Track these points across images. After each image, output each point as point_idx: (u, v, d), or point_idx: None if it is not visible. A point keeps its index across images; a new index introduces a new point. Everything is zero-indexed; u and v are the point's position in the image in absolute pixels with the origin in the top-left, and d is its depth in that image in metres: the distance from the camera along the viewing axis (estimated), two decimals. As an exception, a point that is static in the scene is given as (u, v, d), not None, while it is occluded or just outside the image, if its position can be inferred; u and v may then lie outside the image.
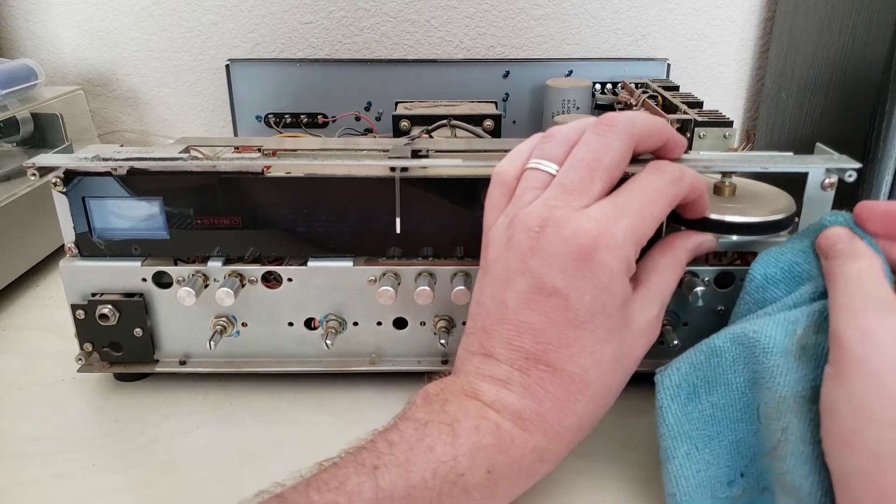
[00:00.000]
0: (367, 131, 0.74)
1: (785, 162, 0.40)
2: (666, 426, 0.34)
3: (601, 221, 0.31)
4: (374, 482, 0.28)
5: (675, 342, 0.42)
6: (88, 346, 0.43)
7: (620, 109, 0.66)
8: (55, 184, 0.40)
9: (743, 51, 0.83)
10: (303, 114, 0.75)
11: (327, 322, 0.43)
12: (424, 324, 0.43)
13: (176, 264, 0.42)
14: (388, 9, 0.81)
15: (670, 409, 0.34)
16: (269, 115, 0.76)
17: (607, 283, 0.31)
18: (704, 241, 0.38)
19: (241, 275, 0.42)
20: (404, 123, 0.59)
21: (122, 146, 0.44)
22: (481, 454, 0.30)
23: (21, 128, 0.66)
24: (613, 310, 0.32)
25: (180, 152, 0.43)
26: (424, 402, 0.32)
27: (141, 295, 0.42)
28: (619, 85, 0.73)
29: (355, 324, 0.43)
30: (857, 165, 0.39)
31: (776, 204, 0.41)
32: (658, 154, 0.37)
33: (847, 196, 0.40)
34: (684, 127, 0.53)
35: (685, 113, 0.56)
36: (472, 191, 0.40)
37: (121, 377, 0.45)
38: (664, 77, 0.75)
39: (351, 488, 0.28)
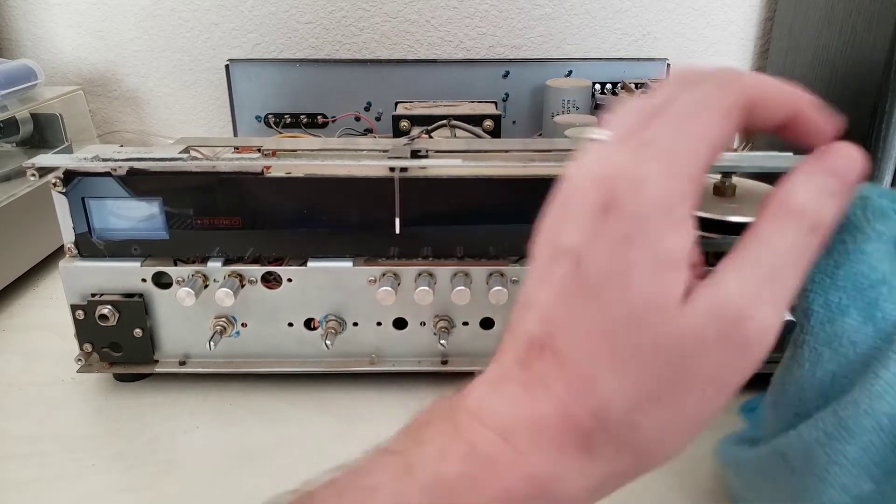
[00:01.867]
0: (367, 131, 0.74)
1: (785, 161, 0.40)
2: None
3: (620, 164, 0.22)
4: None
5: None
6: (88, 347, 0.43)
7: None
8: (55, 184, 0.40)
9: (743, 51, 0.83)
10: (303, 114, 0.75)
11: (327, 322, 0.43)
12: (424, 324, 0.43)
13: (176, 264, 0.42)
14: (388, 9, 0.81)
15: None
16: (269, 116, 0.76)
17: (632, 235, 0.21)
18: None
19: (240, 275, 0.42)
20: (404, 123, 0.59)
21: (121, 146, 0.44)
22: (440, 492, 0.22)
23: (21, 128, 0.66)
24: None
25: (180, 152, 0.43)
26: (409, 425, 0.25)
27: (141, 295, 0.42)
28: (619, 85, 0.73)
29: (355, 324, 0.43)
30: (858, 165, 0.39)
31: (776, 204, 0.41)
32: (786, 136, 0.25)
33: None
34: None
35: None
36: (471, 191, 0.40)
37: (121, 377, 0.45)
38: (664, 77, 0.75)
39: None
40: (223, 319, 0.43)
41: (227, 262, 0.42)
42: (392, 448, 0.24)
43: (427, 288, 0.41)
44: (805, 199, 0.23)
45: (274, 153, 0.45)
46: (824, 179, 0.23)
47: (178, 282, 0.41)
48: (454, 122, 0.56)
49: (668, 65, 0.76)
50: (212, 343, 0.42)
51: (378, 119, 0.75)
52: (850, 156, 0.24)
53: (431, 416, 0.25)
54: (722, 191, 0.42)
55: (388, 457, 0.23)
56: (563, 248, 0.23)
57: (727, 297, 0.22)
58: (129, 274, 0.42)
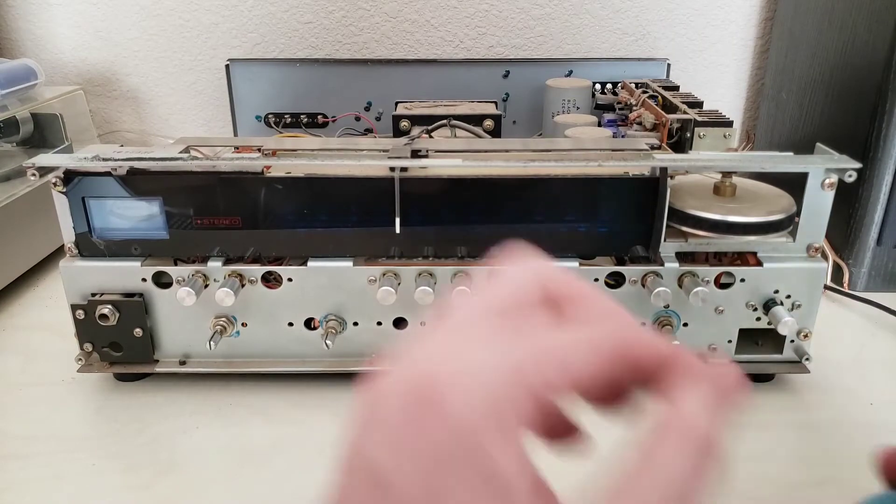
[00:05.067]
0: (367, 131, 0.74)
1: (785, 162, 0.40)
2: None
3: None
4: None
5: (676, 342, 0.42)
6: (88, 346, 0.43)
7: (620, 109, 0.66)
8: (55, 184, 0.40)
9: (743, 51, 0.83)
10: (303, 114, 0.75)
11: (327, 322, 0.43)
12: (424, 324, 0.43)
13: (176, 264, 0.42)
14: (388, 9, 0.81)
15: None
16: (269, 115, 0.76)
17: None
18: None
19: (241, 275, 0.42)
20: (404, 123, 0.59)
21: (121, 146, 0.44)
22: None
23: (21, 128, 0.66)
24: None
25: (180, 152, 0.43)
26: None
27: (141, 295, 0.42)
28: (619, 85, 0.73)
29: (355, 324, 0.43)
30: (857, 165, 0.39)
31: (776, 204, 0.42)
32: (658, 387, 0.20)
33: (847, 195, 0.40)
34: (684, 127, 0.53)
35: (685, 113, 0.56)
36: (471, 191, 0.40)
37: (121, 377, 0.45)
38: (664, 77, 0.75)
39: None
40: (223, 319, 0.43)
41: (227, 262, 0.42)
42: None
43: (427, 288, 0.41)
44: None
45: (274, 153, 0.45)
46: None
47: (178, 281, 0.41)
48: (454, 122, 0.56)
49: (669, 65, 0.76)
50: (212, 343, 0.42)
51: (378, 119, 0.75)
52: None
53: None
54: (722, 191, 0.42)
55: None
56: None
57: None
58: (130, 274, 0.42)
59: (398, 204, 0.40)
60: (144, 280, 0.42)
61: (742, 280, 0.41)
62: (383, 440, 0.17)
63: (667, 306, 0.42)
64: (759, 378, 0.45)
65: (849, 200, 0.55)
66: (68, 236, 0.41)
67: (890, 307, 0.53)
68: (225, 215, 0.41)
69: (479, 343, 0.18)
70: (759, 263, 0.41)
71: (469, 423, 0.16)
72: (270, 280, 0.42)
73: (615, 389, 0.20)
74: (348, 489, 0.18)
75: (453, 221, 0.41)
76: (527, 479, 0.17)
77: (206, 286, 0.42)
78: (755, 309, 0.42)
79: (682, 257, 0.41)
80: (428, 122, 0.57)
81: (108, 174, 0.40)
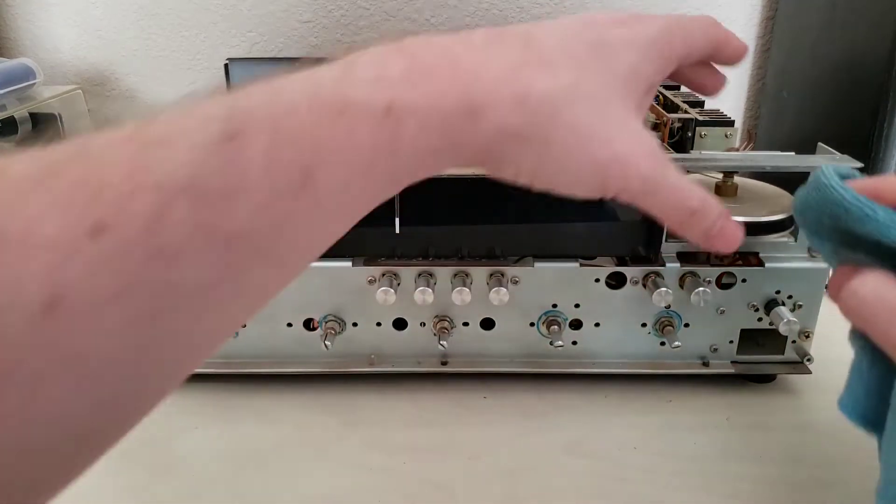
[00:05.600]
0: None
1: (786, 161, 0.40)
2: None
3: None
4: None
5: (677, 343, 0.41)
6: (87, 347, 0.42)
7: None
8: (53, 184, 0.40)
9: (743, 50, 0.83)
10: (302, 113, 0.75)
11: (327, 322, 0.42)
12: (424, 324, 0.43)
13: (175, 264, 0.42)
14: (388, 7, 0.81)
15: None
16: (269, 115, 0.75)
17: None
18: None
19: (240, 275, 0.41)
20: (404, 123, 0.59)
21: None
22: (380, 84, 0.23)
23: (19, 127, 0.65)
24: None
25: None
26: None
27: (140, 295, 0.42)
28: (620, 84, 0.72)
29: (355, 324, 0.43)
30: (859, 165, 0.39)
31: (778, 204, 0.41)
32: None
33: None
34: (685, 126, 0.53)
35: (686, 112, 0.55)
36: (471, 191, 0.40)
37: (120, 378, 0.45)
38: (664, 76, 0.75)
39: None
40: (222, 320, 0.42)
41: (226, 262, 0.42)
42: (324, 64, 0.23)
43: (427, 288, 0.40)
44: None
45: (273, 153, 0.45)
46: None
47: (177, 282, 0.41)
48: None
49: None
50: (211, 343, 0.42)
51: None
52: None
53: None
54: (723, 191, 0.42)
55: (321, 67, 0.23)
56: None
57: None
58: (128, 274, 0.41)
59: (398, 204, 0.40)
60: (143, 280, 0.42)
61: (743, 280, 0.41)
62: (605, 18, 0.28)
63: (668, 307, 0.42)
64: (761, 378, 0.45)
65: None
66: (67, 236, 0.41)
67: (891, 307, 0.53)
68: (224, 215, 0.40)
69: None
70: (761, 264, 0.41)
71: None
72: (270, 280, 0.42)
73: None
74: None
75: (453, 221, 0.41)
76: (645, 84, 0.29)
77: (206, 286, 0.41)
78: (756, 309, 0.42)
79: (684, 257, 0.41)
80: (428, 121, 0.57)
81: (106, 174, 0.40)
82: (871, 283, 0.25)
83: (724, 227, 0.28)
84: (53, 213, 0.17)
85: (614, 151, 0.26)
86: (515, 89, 0.24)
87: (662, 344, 0.43)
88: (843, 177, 0.27)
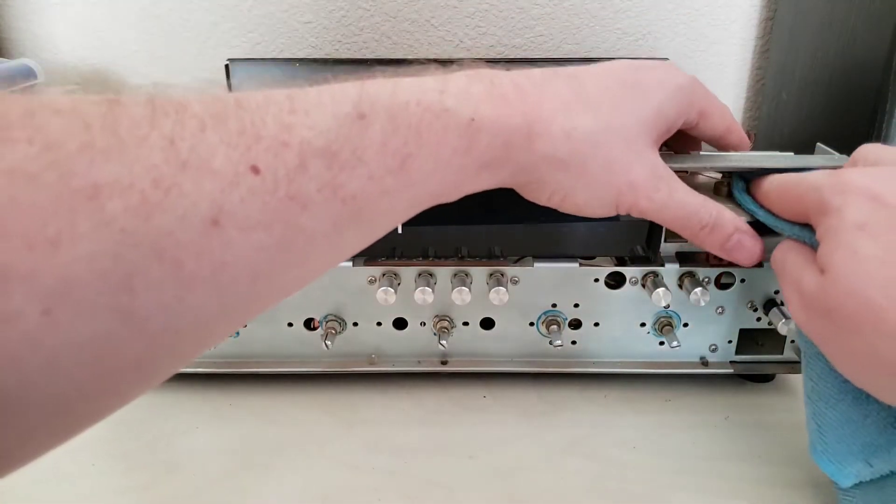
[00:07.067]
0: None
1: (785, 162, 0.40)
2: None
3: None
4: None
5: (675, 343, 0.42)
6: (88, 347, 0.43)
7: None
8: (55, 184, 0.40)
9: (743, 51, 0.83)
10: (303, 113, 0.75)
11: (327, 322, 0.43)
12: (424, 324, 0.43)
13: (176, 264, 0.42)
14: (388, 8, 0.81)
15: None
16: (269, 115, 0.75)
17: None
18: None
19: (240, 275, 0.42)
20: (404, 123, 0.59)
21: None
22: (462, 97, 0.29)
23: (20, 127, 0.65)
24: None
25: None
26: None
27: (140, 295, 0.42)
28: (620, 85, 0.73)
29: (355, 324, 0.43)
30: (858, 165, 0.39)
31: (777, 204, 0.41)
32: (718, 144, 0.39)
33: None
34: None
35: (685, 113, 0.55)
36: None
37: (120, 377, 0.45)
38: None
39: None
40: (223, 319, 0.42)
41: (226, 262, 0.42)
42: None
43: (427, 288, 0.41)
44: None
45: (274, 153, 0.45)
46: None
47: (177, 282, 0.41)
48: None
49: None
50: (212, 343, 0.42)
51: (378, 119, 0.75)
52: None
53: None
54: (721, 190, 0.42)
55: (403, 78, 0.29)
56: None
57: None
58: (129, 274, 0.41)
59: (398, 204, 0.40)
60: (144, 280, 0.42)
61: (742, 280, 0.41)
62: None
63: (667, 306, 0.42)
64: (760, 378, 0.45)
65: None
66: (68, 236, 0.41)
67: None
68: (225, 215, 0.41)
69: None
70: (760, 264, 0.41)
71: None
72: (270, 280, 0.42)
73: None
74: None
75: (453, 221, 0.41)
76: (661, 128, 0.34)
77: (206, 286, 0.42)
78: (755, 309, 0.42)
79: (683, 257, 0.41)
80: (428, 121, 0.57)
81: (107, 174, 0.40)
82: (778, 250, 0.33)
83: (741, 240, 0.34)
84: (221, 150, 0.21)
85: (629, 179, 0.31)
86: (564, 125, 0.30)
87: (661, 344, 0.43)
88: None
